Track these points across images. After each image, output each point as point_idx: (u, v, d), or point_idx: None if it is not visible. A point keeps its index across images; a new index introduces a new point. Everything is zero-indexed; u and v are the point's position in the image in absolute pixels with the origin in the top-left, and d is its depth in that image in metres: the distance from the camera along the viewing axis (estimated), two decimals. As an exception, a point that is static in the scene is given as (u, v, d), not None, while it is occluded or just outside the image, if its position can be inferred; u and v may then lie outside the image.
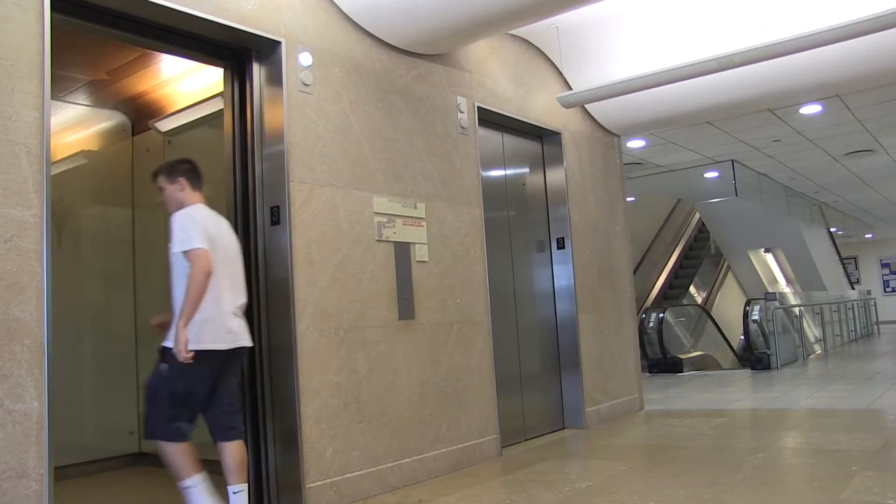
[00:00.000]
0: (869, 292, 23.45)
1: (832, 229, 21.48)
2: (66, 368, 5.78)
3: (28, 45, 3.32)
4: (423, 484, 4.83)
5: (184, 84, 5.80)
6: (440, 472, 5.05)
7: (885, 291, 29.57)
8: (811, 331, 15.56)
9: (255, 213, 4.43)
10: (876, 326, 21.36)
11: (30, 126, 3.29)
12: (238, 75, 4.53)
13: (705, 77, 6.16)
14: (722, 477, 4.56)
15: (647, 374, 11.95)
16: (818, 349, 15.31)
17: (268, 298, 4.37)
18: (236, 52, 4.48)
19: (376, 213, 4.87)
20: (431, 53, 5.46)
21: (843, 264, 22.24)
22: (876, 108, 10.30)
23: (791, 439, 5.93)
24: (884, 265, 30.21)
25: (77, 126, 6.29)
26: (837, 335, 17.02)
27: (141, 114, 6.25)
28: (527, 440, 6.24)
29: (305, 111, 4.52)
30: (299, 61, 4.51)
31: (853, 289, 21.71)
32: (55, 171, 3.69)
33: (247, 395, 4.33)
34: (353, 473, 4.48)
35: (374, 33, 5.03)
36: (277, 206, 4.37)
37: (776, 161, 13.67)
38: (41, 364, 3.21)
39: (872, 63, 6.17)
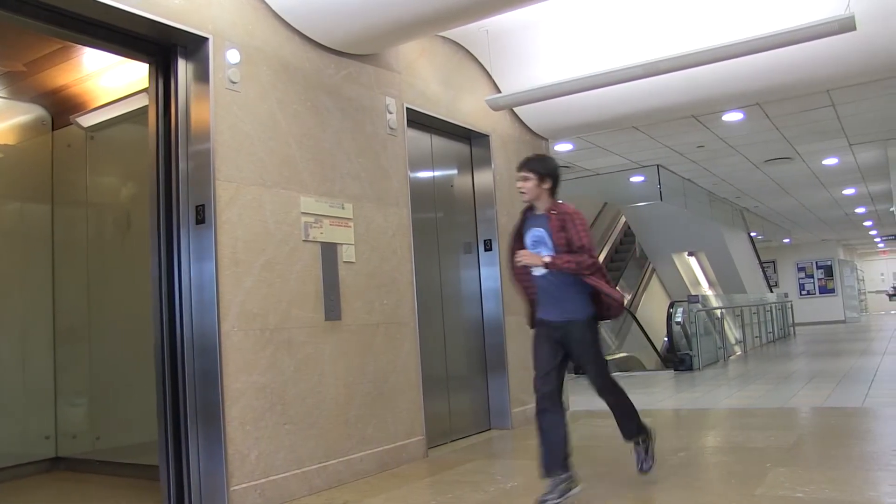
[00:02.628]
0: (786, 295, 24.18)
1: (752, 234, 22.08)
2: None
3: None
4: (350, 485, 4.81)
5: (107, 78, 5.66)
6: (366, 473, 5.04)
7: (801, 294, 30.57)
8: (732, 332, 15.98)
9: (179, 212, 4.34)
10: (792, 328, 22.03)
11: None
12: (163, 71, 4.44)
13: (632, 83, 6.28)
14: (643, 475, 4.64)
15: (573, 375, 12.10)
16: (738, 350, 15.73)
17: (192, 298, 4.30)
18: (162, 47, 4.39)
19: (303, 213, 4.83)
20: (361, 53, 5.45)
21: (763, 268, 22.90)
22: (794, 117, 10.63)
23: (711, 438, 6.09)
24: (800, 269, 31.24)
25: (-9, 119, 6.09)
26: (756, 337, 17.51)
27: (62, 108, 6.07)
28: (453, 441, 6.26)
29: (232, 109, 4.45)
30: (227, 58, 4.44)
31: (772, 292, 22.36)
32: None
33: (168, 396, 4.25)
34: (279, 476, 4.43)
35: (303, 32, 4.99)
36: (203, 205, 4.29)
37: (700, 166, 13.98)
38: None
39: (789, 74, 6.38)
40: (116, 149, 5.86)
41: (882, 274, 40.51)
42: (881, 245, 36.48)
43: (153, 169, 4.40)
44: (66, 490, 5.21)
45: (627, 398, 4.47)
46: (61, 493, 5.24)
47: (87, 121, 5.90)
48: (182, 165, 4.35)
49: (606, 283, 4.17)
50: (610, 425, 6.22)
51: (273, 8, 4.80)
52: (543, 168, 4.22)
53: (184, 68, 4.42)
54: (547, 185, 4.20)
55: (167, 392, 4.25)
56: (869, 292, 39.48)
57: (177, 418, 4.25)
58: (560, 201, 4.26)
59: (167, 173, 4.39)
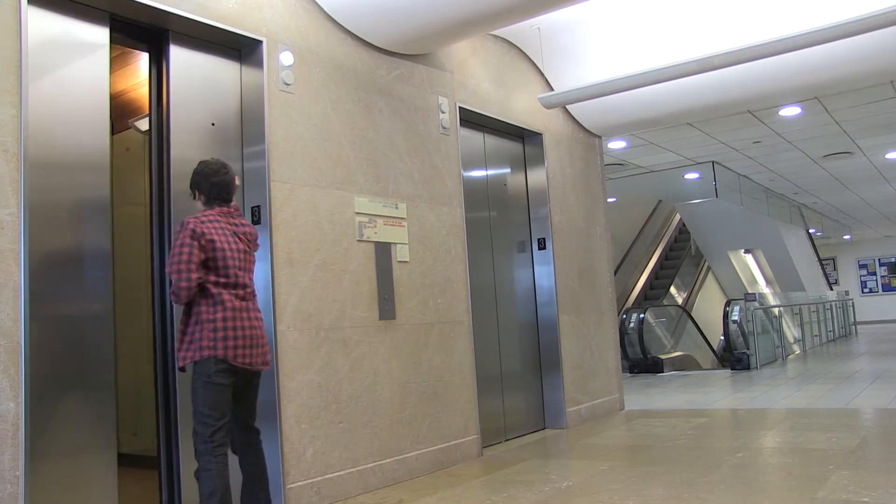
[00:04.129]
0: (847, 293, 23.65)
1: (811, 230, 21.64)
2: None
3: (4, 41, 3.30)
4: (404, 484, 4.83)
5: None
6: (421, 472, 5.05)
7: (863, 292, 29.84)
8: (790, 331, 15.67)
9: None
10: (854, 327, 21.55)
11: (7, 124, 3.26)
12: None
13: (686, 78, 6.21)
14: (701, 476, 4.58)
15: (628, 374, 12.00)
16: (797, 349, 15.43)
17: (248, 298, 4.35)
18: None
19: (357, 213, 4.86)
20: (413, 53, 5.46)
21: (822, 265, 22.41)
22: (854, 110, 10.39)
23: (770, 439, 5.97)
24: (861, 266, 30.48)
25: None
26: (816, 335, 17.15)
27: (120, 112, 6.19)
28: (507, 440, 6.25)
29: (286, 111, 4.50)
30: (280, 60, 4.50)
31: (831, 289, 21.88)
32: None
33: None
34: (334, 474, 4.46)
35: (355, 33, 5.02)
36: (258, 206, 4.35)
37: (756, 162, 13.76)
38: (18, 364, 3.18)
39: (850, 66, 6.23)
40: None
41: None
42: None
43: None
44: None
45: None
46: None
47: (145, 125, 5.99)
48: (238, 167, 4.42)
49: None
50: (666, 424, 6.15)
51: (325, 9, 4.84)
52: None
53: (238, 71, 4.49)
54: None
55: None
56: (934, 289, 38.41)
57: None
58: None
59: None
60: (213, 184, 3.57)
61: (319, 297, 4.53)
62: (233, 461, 3.48)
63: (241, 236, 3.59)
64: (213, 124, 4.31)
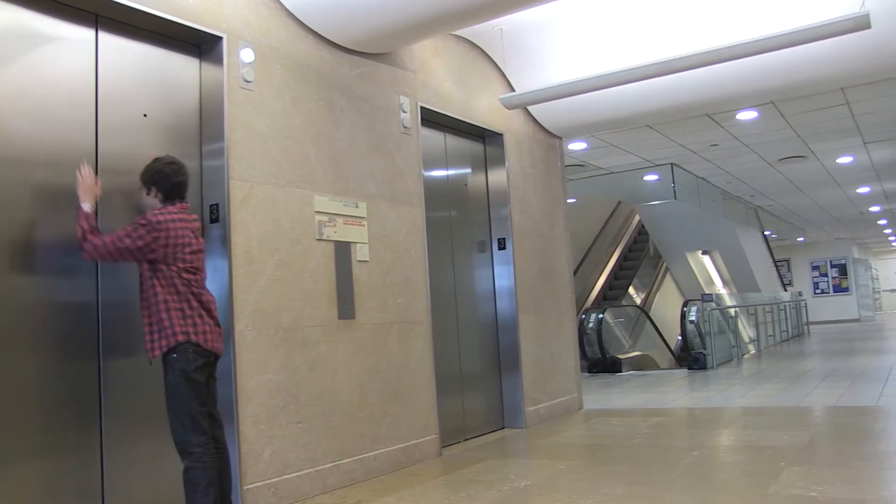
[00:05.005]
0: (800, 294, 24.07)
1: (766, 232, 21.98)
2: None
3: None
4: (363, 484, 4.81)
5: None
6: (380, 472, 5.04)
7: (815, 293, 30.43)
8: (745, 331, 15.91)
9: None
10: (806, 327, 21.93)
11: None
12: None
13: (646, 81, 6.27)
14: (658, 474, 4.64)
15: (587, 373, 12.10)
16: (752, 349, 15.67)
17: (206, 297, 4.30)
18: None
19: (317, 211, 4.83)
20: (375, 52, 5.45)
21: (777, 266, 22.79)
22: (808, 115, 10.58)
23: (725, 437, 6.06)
24: (814, 267, 31.08)
25: None
26: (770, 335, 17.44)
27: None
28: (467, 440, 6.26)
29: (247, 108, 4.46)
30: (241, 57, 4.45)
31: (786, 290, 22.25)
32: None
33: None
34: (292, 474, 4.44)
35: (317, 30, 4.99)
36: (217, 204, 4.30)
37: (714, 165, 13.94)
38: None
39: (804, 72, 6.34)
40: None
41: (897, 272, 40.39)
42: (896, 243, 36.31)
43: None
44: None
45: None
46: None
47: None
48: (196, 164, 4.36)
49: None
50: (625, 424, 6.23)
51: (286, 6, 4.81)
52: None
53: (197, 67, 4.43)
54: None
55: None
56: (883, 291, 39.28)
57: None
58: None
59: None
60: (174, 183, 3.68)
61: (278, 296, 4.50)
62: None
63: (194, 231, 3.70)
64: (144, 115, 4.16)
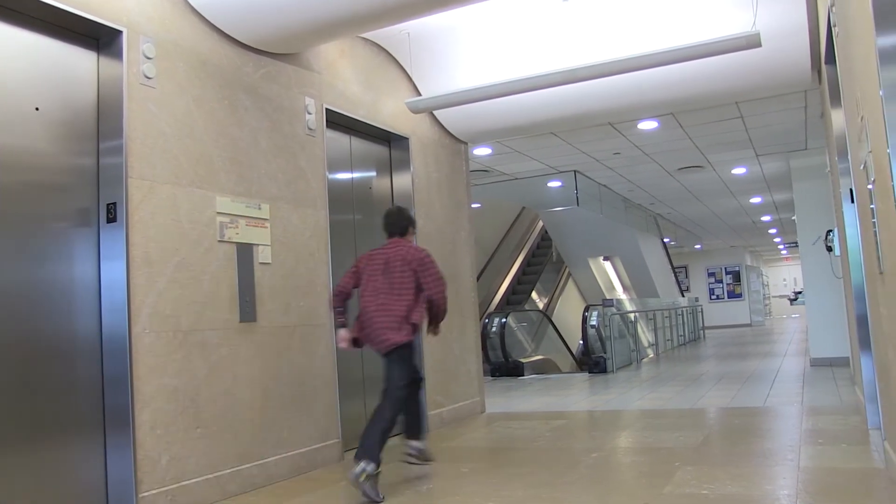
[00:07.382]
0: (697, 299, 24.85)
1: (666, 239, 22.63)
2: None
3: None
4: (264, 490, 4.75)
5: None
6: (281, 477, 4.98)
7: (711, 299, 31.52)
8: (645, 336, 16.33)
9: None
10: (702, 331, 22.66)
11: None
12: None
13: (550, 89, 6.39)
14: (559, 476, 4.72)
15: (490, 377, 12.21)
16: (651, 353, 16.10)
17: (100, 299, 4.17)
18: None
19: (219, 213, 4.75)
20: (281, 52, 5.39)
21: (675, 273, 23.50)
22: (705, 127, 10.94)
23: (623, 439, 6.21)
24: (710, 274, 32.18)
25: None
26: (668, 340, 17.95)
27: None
28: (370, 444, 6.22)
29: (147, 105, 4.35)
30: (142, 52, 4.34)
31: (683, 296, 22.94)
32: None
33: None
34: (191, 481, 4.34)
35: (221, 28, 4.90)
36: (114, 203, 4.17)
37: (616, 173, 14.24)
38: None
39: (701, 85, 6.58)
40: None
41: (785, 279, 42.36)
42: (784, 252, 37.94)
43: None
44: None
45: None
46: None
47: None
48: (93, 162, 4.22)
49: None
50: (526, 427, 6.30)
51: (191, 3, 4.71)
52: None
53: (94, 61, 4.29)
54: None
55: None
56: (773, 297, 41.06)
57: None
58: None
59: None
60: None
61: (178, 298, 4.40)
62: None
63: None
64: (36, 109, 4.01)
